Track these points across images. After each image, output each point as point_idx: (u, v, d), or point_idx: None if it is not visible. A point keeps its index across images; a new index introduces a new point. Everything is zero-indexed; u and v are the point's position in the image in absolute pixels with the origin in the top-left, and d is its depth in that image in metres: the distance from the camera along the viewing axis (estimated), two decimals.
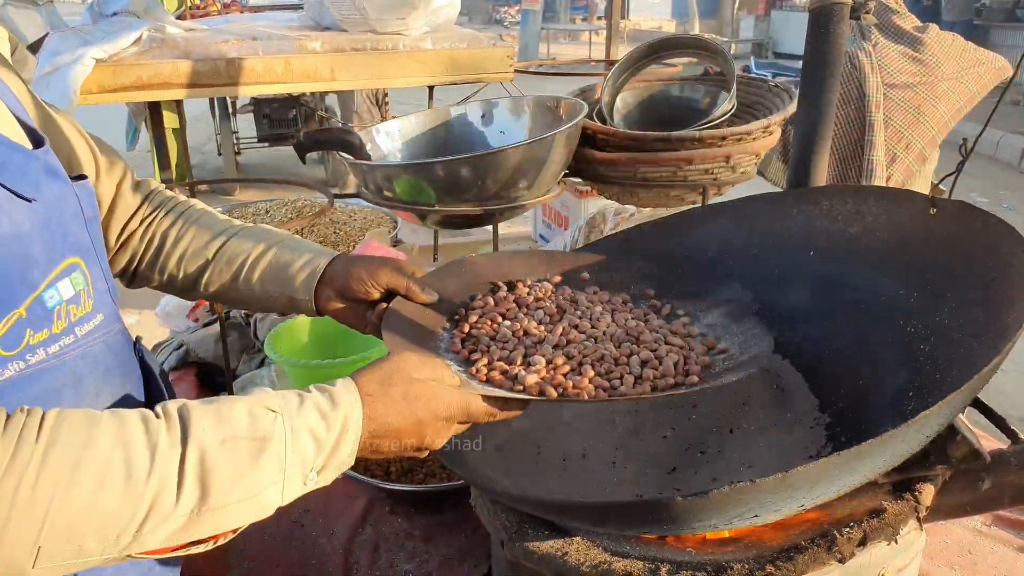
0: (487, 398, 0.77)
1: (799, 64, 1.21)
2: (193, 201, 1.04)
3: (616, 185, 1.58)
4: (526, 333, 0.90)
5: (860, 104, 2.29)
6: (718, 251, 1.12)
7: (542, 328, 0.91)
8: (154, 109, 1.96)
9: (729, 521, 0.71)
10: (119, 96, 1.67)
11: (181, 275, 0.98)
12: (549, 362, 0.84)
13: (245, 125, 6.23)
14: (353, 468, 1.24)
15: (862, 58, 2.25)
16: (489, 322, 0.93)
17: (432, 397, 0.75)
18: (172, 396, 0.83)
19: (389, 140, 1.64)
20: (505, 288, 1.01)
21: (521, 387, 0.80)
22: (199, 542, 0.66)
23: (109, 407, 0.69)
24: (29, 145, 0.71)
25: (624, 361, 0.85)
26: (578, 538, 0.80)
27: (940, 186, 2.29)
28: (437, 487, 1.21)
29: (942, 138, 2.44)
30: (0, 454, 0.54)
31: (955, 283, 0.86)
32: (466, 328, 0.92)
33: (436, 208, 1.40)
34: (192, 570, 1.13)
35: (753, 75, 2.28)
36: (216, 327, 1.74)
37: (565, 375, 0.83)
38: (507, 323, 0.92)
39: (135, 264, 1.00)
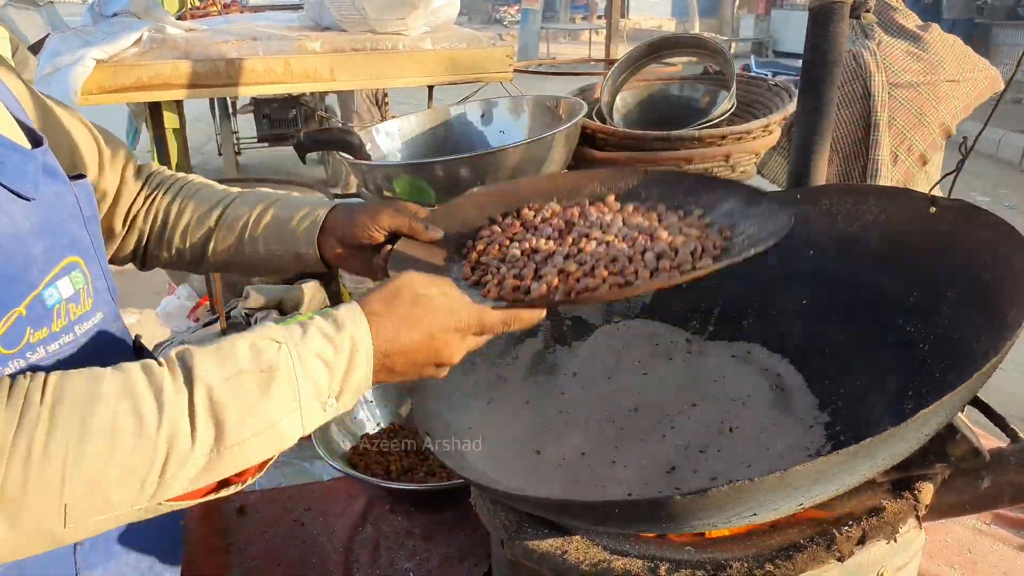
0: (500, 307, 0.75)
1: (799, 63, 1.21)
2: (191, 176, 1.05)
3: None
4: (535, 251, 0.87)
5: (865, 103, 2.29)
6: None
7: (551, 244, 0.88)
8: (154, 109, 1.96)
9: (728, 520, 0.71)
10: (119, 97, 1.67)
11: (188, 247, 0.99)
12: (561, 271, 0.81)
13: (245, 125, 6.23)
14: (353, 467, 1.26)
15: (867, 57, 2.25)
16: (497, 247, 0.90)
17: (441, 309, 0.72)
18: None
19: (389, 140, 1.64)
20: (511, 216, 0.98)
21: (533, 298, 0.78)
22: (228, 483, 0.65)
23: None
24: (28, 145, 0.71)
25: (639, 258, 0.82)
26: (577, 537, 0.80)
27: (938, 185, 2.29)
28: (437, 486, 1.21)
29: (943, 142, 2.44)
30: (8, 416, 0.54)
31: (955, 282, 0.86)
32: (475, 257, 0.90)
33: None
34: (193, 569, 1.14)
35: (753, 74, 2.28)
36: (216, 327, 1.74)
37: (578, 280, 0.80)
38: (516, 244, 0.89)
39: (143, 244, 1.01)
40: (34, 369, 0.64)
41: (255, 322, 1.88)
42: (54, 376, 0.58)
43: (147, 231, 1.00)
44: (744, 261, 0.79)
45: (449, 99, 1.82)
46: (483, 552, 1.18)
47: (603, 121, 1.62)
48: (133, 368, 0.60)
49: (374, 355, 0.69)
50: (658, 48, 1.75)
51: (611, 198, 0.98)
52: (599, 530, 0.81)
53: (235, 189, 1.02)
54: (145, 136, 5.22)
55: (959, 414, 0.78)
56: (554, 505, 0.83)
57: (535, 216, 0.97)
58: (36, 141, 0.73)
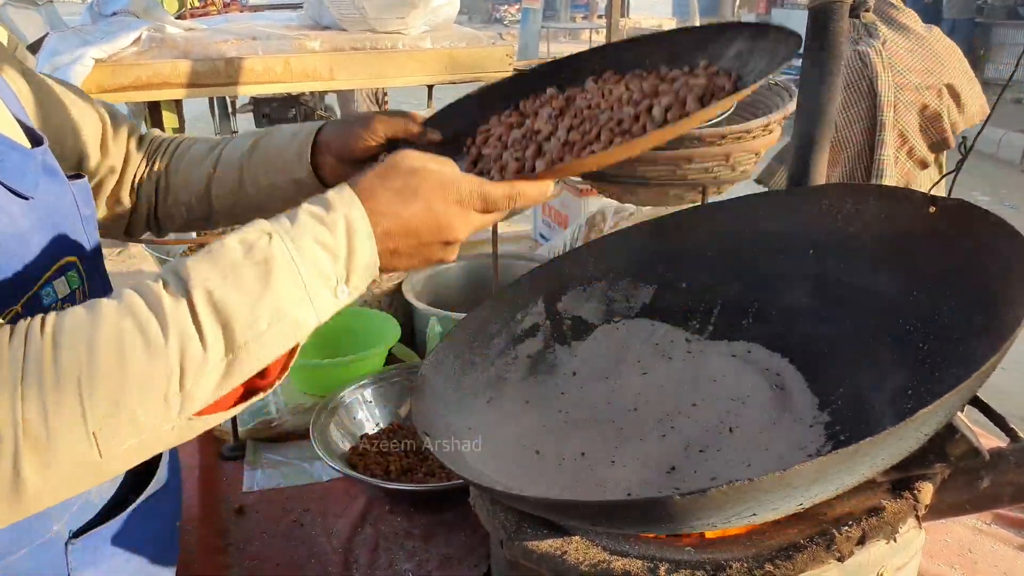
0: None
1: (800, 62, 1.21)
2: (186, 134, 1.06)
3: (615, 184, 1.57)
4: (537, 132, 0.83)
5: (871, 102, 2.29)
6: (718, 250, 1.12)
7: (551, 123, 0.84)
8: (153, 109, 1.96)
9: (727, 520, 0.71)
10: (118, 96, 1.67)
11: (194, 198, 0.99)
12: (565, 144, 0.77)
13: (245, 124, 6.23)
14: (353, 468, 1.26)
15: (873, 56, 2.24)
16: (497, 138, 0.87)
17: (440, 180, 0.69)
18: None
19: None
20: (510, 109, 0.95)
21: (538, 174, 0.74)
22: (258, 389, 0.64)
23: None
24: (28, 144, 0.71)
25: (645, 115, 0.77)
26: (577, 537, 0.80)
27: (939, 185, 2.29)
28: (437, 487, 1.21)
29: (950, 146, 2.44)
30: (13, 354, 0.53)
31: (954, 282, 0.86)
32: (475, 152, 0.87)
33: None
34: (191, 569, 1.14)
35: None
36: None
37: (583, 148, 0.76)
38: (516, 131, 0.86)
39: (153, 208, 1.02)
40: None
41: None
42: (51, 314, 0.57)
43: (153, 195, 1.01)
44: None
45: (449, 98, 1.82)
46: (483, 553, 1.18)
47: None
48: (126, 291, 0.59)
49: (374, 234, 0.66)
50: None
51: (609, 72, 0.94)
52: (598, 530, 0.81)
53: (227, 137, 1.03)
54: None
55: (959, 414, 0.78)
56: (553, 505, 0.82)
57: (534, 103, 0.92)
58: (36, 140, 0.73)
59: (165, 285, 0.60)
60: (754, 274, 1.08)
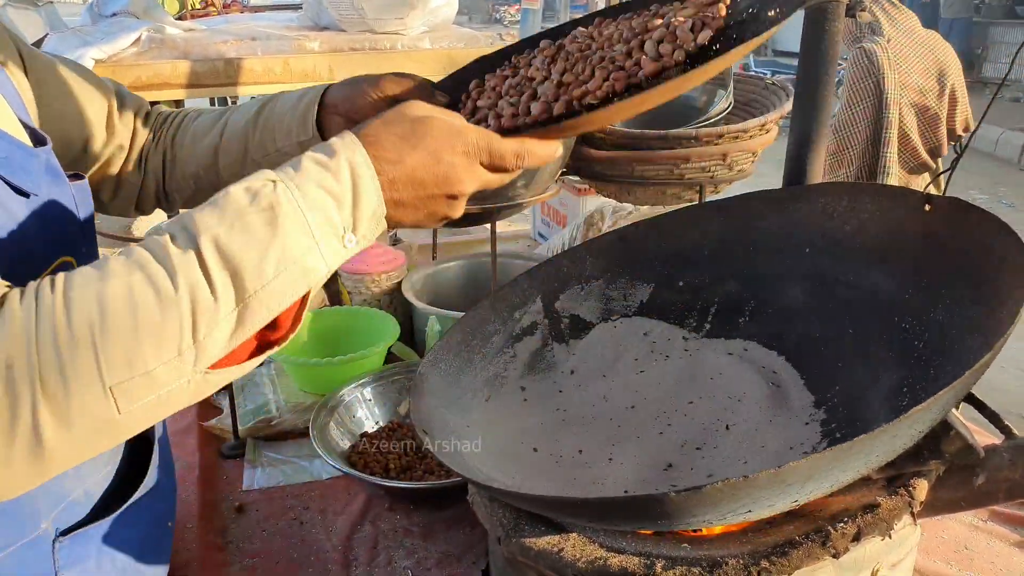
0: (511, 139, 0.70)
1: (797, 61, 1.21)
2: (190, 108, 1.06)
3: (614, 183, 1.58)
4: (531, 79, 0.82)
5: (877, 101, 2.30)
6: (715, 248, 1.12)
7: (543, 70, 0.83)
8: None
9: (723, 516, 0.71)
10: None
11: (201, 169, 0.98)
12: (559, 85, 0.76)
13: None
14: (352, 466, 1.27)
15: (880, 53, 2.25)
16: (492, 88, 0.86)
17: (445, 129, 0.68)
18: None
19: None
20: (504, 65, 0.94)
21: (534, 116, 0.73)
22: (272, 342, 0.63)
23: None
24: (30, 144, 0.72)
25: (638, 50, 0.75)
26: (574, 534, 0.80)
27: (935, 183, 2.29)
28: (435, 484, 1.22)
29: (943, 153, 2.45)
30: (25, 313, 0.53)
31: (949, 279, 0.87)
32: (471, 105, 0.86)
33: None
34: (191, 567, 1.14)
35: (750, 73, 2.29)
36: None
37: (578, 88, 0.74)
38: (511, 80, 0.85)
39: (162, 182, 1.02)
40: None
41: None
42: (60, 274, 0.57)
43: (160, 169, 1.01)
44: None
45: None
46: (481, 550, 1.19)
47: None
48: (134, 246, 0.60)
49: (379, 180, 0.65)
50: None
51: (600, 19, 0.92)
52: (595, 527, 0.81)
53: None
54: None
55: (953, 411, 0.78)
56: (550, 502, 0.83)
57: (528, 56, 0.91)
58: (39, 140, 0.74)
59: (172, 238, 0.59)
60: (751, 273, 1.09)
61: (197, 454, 1.41)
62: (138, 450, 0.88)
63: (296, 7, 2.68)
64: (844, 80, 2.39)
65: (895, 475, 0.82)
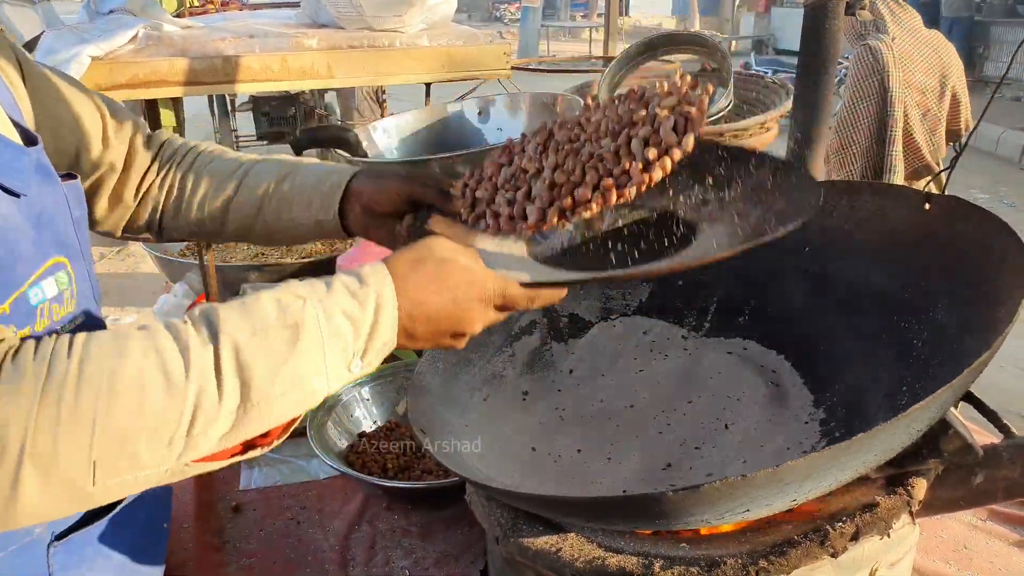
0: (525, 284, 0.73)
1: (796, 60, 1.21)
2: (204, 144, 1.04)
3: None
4: (524, 171, 0.83)
5: (881, 98, 2.29)
6: None
7: (536, 161, 0.83)
8: (151, 107, 1.96)
9: (721, 516, 0.71)
10: (115, 94, 1.67)
11: (207, 217, 0.98)
12: (552, 185, 0.77)
13: (244, 123, 6.22)
14: (350, 466, 1.26)
15: (884, 51, 2.24)
16: (489, 178, 0.87)
17: (467, 277, 0.71)
18: None
19: (386, 137, 1.64)
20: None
21: (529, 225, 0.75)
22: (254, 446, 0.65)
23: None
24: (21, 143, 0.71)
25: (626, 150, 0.75)
26: (572, 534, 0.80)
27: (932, 184, 2.29)
28: (434, 484, 1.21)
29: (941, 155, 2.45)
30: (36, 371, 0.54)
31: (948, 278, 0.86)
32: (470, 196, 0.87)
33: None
34: (188, 568, 1.14)
35: (751, 72, 2.28)
36: None
37: (571, 194, 0.75)
38: (506, 170, 0.86)
39: (159, 215, 1.01)
40: None
41: None
42: (80, 335, 0.58)
43: (162, 202, 1.00)
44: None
45: (447, 97, 1.82)
46: (479, 549, 1.18)
47: None
48: (158, 326, 0.60)
49: (399, 316, 0.67)
50: (656, 46, 1.75)
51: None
52: (593, 527, 0.81)
53: (250, 156, 1.01)
54: None
55: (952, 410, 0.78)
56: (548, 501, 0.83)
57: (523, 138, 0.91)
58: (30, 140, 0.73)
59: (196, 326, 0.61)
60: (750, 272, 1.09)
61: None
62: None
63: (294, 4, 2.67)
64: (848, 77, 2.38)
65: (894, 474, 0.82)
